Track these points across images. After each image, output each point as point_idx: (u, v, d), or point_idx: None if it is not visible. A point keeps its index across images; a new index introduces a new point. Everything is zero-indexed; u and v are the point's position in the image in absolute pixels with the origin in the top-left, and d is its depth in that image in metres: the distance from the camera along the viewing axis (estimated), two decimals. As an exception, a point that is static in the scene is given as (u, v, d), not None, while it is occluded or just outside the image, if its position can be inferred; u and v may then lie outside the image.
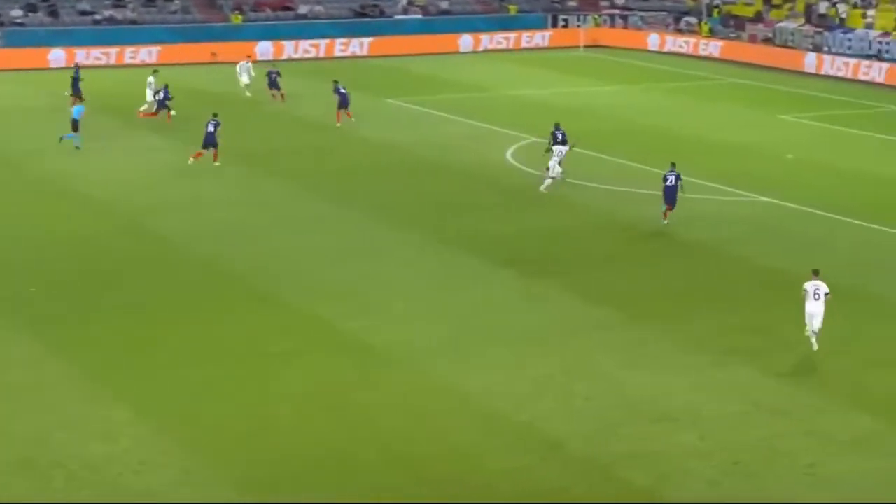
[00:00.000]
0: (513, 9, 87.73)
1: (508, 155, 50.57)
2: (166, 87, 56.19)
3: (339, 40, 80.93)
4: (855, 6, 76.61)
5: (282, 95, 61.14)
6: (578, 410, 25.89)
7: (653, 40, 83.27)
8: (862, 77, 70.07)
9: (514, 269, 35.26)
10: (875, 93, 66.62)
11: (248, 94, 62.28)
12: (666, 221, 39.64)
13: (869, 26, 74.24)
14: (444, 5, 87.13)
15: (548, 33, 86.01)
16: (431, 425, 25.23)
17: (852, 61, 71.21)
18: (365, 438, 24.58)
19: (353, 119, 55.69)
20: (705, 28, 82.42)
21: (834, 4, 77.12)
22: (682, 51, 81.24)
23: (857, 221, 40.20)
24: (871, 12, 74.96)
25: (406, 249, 37.46)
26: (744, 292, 33.65)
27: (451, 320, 31.22)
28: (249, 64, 64.27)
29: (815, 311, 28.98)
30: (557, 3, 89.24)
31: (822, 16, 77.35)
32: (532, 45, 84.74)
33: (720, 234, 39.08)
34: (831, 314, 29.34)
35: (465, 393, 26.70)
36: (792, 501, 22.23)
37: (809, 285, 29.18)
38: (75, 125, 50.23)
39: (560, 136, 45.07)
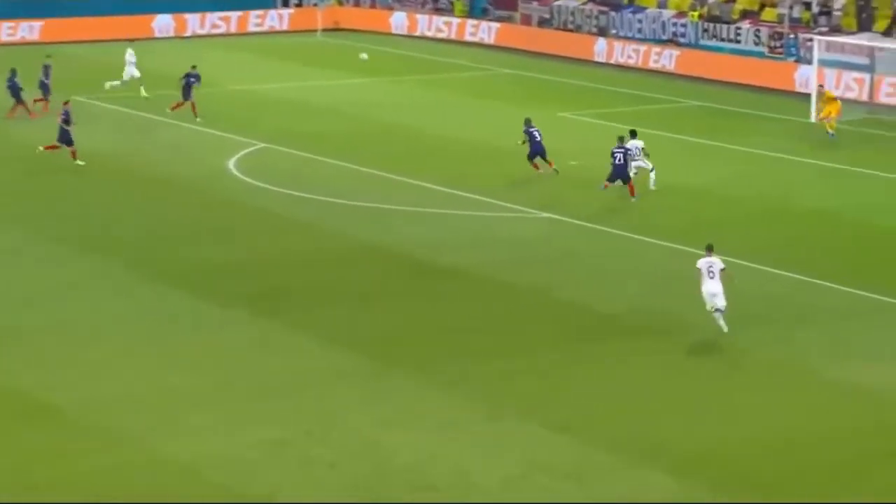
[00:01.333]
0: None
1: (231, 165, 50.33)
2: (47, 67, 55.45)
3: (5, 23, 79.41)
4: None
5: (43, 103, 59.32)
6: (323, 479, 25.85)
7: (404, 22, 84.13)
8: (653, 65, 72.24)
9: (242, 307, 35.07)
10: (670, 84, 68.70)
11: (144, 93, 61.78)
12: (634, 199, 45.12)
13: (662, 5, 76.58)
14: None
15: (278, 13, 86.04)
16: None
17: (643, 47, 73.37)
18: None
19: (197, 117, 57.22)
20: (458, 7, 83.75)
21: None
22: (444, 35, 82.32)
23: (649, 240, 41.30)
24: (663, -12, 77.48)
25: (103, 285, 36.92)
26: (520, 330, 34.16)
27: (161, 373, 30.79)
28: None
29: (713, 291, 32.29)
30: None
31: (607, -8, 79.56)
32: (263, 28, 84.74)
33: (492, 258, 39.60)
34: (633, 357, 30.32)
35: (183, 464, 26.34)
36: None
37: (703, 263, 32.55)
38: None
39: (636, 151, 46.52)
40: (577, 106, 62.92)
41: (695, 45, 72.65)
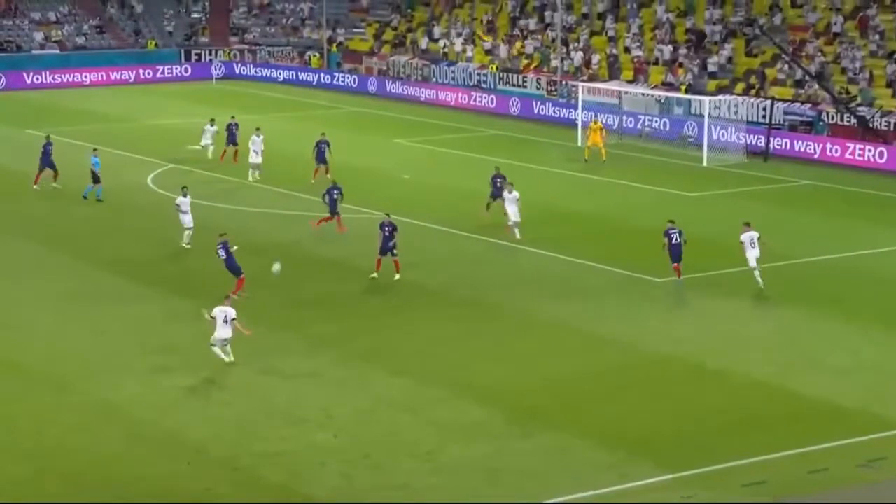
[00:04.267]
0: (151, 44, 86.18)
1: (149, 181, 49.64)
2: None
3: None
4: (461, 36, 79.06)
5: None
6: (219, 416, 25.74)
7: (278, 74, 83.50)
8: (462, 104, 72.46)
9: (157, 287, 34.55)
10: (476, 118, 68.73)
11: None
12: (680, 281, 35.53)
13: (469, 60, 77.00)
14: (81, 41, 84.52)
15: (182, 67, 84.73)
16: (81, 438, 24.51)
17: (456, 91, 73.59)
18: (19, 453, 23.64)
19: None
20: (315, 60, 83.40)
21: (436, 40, 79.60)
22: (312, 80, 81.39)
23: (462, 233, 41.51)
24: (469, 48, 77.84)
25: (54, 270, 36.18)
26: (354, 298, 34.29)
27: (95, 338, 30.31)
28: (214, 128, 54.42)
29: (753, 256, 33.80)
30: (190, 39, 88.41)
31: (424, 51, 79.63)
32: (169, 76, 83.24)
33: (350, 249, 39.38)
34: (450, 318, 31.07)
35: (111, 405, 26.09)
36: (413, 486, 22.68)
37: (745, 236, 33.76)
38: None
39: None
40: (408, 134, 62.86)
41: (494, 90, 73.05)
